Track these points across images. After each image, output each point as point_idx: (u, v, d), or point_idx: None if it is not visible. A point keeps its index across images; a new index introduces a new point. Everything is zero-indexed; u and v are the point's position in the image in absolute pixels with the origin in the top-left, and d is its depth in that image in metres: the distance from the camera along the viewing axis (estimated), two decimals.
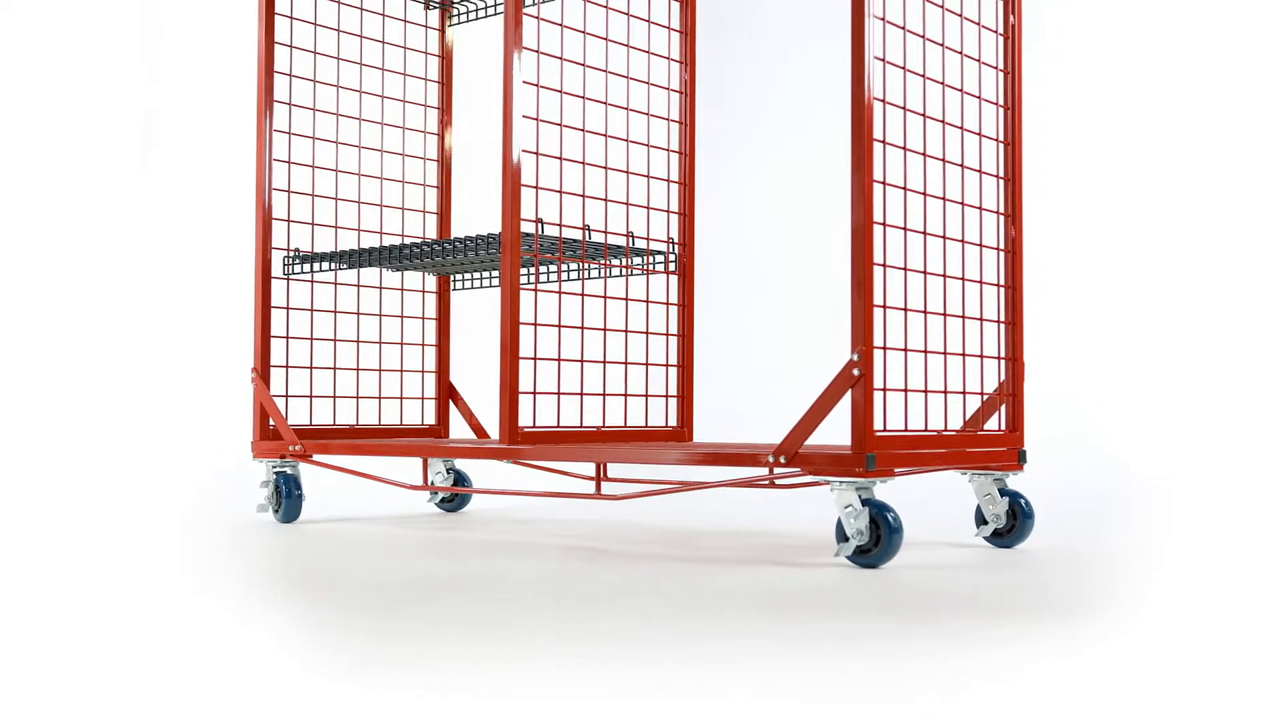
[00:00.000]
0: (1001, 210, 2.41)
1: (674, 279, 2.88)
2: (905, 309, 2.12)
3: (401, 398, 3.20)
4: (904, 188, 2.20)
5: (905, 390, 2.16)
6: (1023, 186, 2.41)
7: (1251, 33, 3.41)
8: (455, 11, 3.28)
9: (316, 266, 2.89)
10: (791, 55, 3.89)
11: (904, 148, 2.19)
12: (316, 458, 2.84)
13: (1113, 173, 3.56)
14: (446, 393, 3.30)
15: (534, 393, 2.52)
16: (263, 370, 2.94)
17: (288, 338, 3.00)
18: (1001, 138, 2.41)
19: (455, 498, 3.20)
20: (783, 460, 2.08)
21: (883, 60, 2.13)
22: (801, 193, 3.82)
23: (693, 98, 2.86)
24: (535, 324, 2.50)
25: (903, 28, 2.19)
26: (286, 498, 2.88)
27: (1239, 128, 3.42)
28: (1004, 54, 2.43)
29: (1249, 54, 3.39)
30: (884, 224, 2.15)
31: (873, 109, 2.07)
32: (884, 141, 2.16)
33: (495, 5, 3.18)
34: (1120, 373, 3.49)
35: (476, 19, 3.24)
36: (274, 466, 2.91)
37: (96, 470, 3.50)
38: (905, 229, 2.15)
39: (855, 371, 2.02)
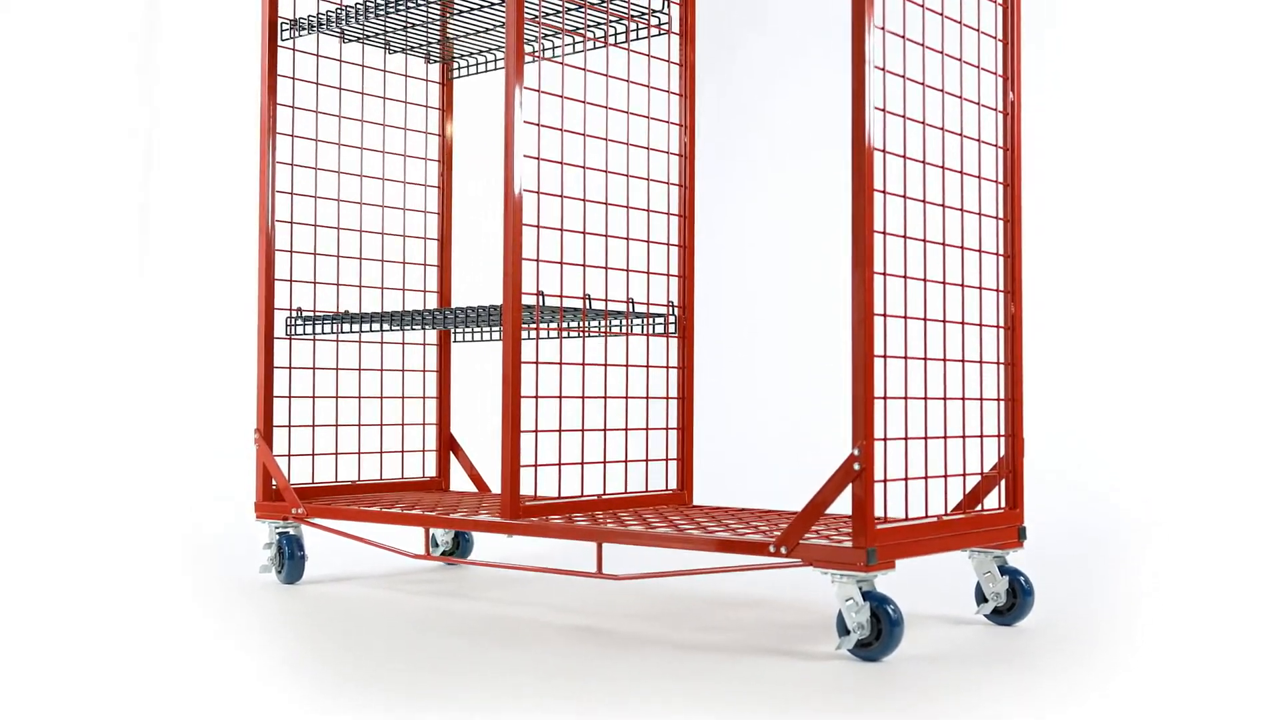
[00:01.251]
0: (1000, 288, 2.42)
1: (674, 341, 2.89)
2: (905, 397, 2.13)
3: (403, 451, 3.22)
4: (904, 276, 2.21)
5: (905, 479, 2.18)
6: (1022, 262, 2.42)
7: (1252, 45, 3.42)
8: (457, 65, 3.28)
9: (319, 328, 2.90)
10: (793, 122, 3.90)
11: (904, 235, 2.20)
12: (318, 521, 2.85)
13: (1111, 248, 3.57)
14: (447, 445, 3.32)
15: (535, 465, 2.54)
16: (265, 431, 2.95)
17: (290, 397, 3.01)
18: (1001, 214, 2.42)
19: (458, 549, 3.21)
20: (784, 551, 2.10)
21: (884, 150, 2.14)
22: (801, 250, 3.83)
23: (692, 160, 2.87)
24: (536, 396, 2.51)
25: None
26: (289, 559, 2.89)
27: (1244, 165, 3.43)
28: (1004, 131, 2.44)
29: (1249, 70, 3.40)
30: (885, 314, 2.17)
31: (872, 206, 2.07)
32: (884, 232, 2.17)
33: (496, 61, 3.18)
34: (1118, 418, 3.51)
35: (478, 73, 3.24)
36: (277, 528, 2.92)
37: (100, 528, 3.51)
38: (905, 317, 2.16)
39: (856, 466, 2.03)
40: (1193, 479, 3.41)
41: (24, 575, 3.00)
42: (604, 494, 2.79)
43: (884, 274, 2.12)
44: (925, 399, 2.20)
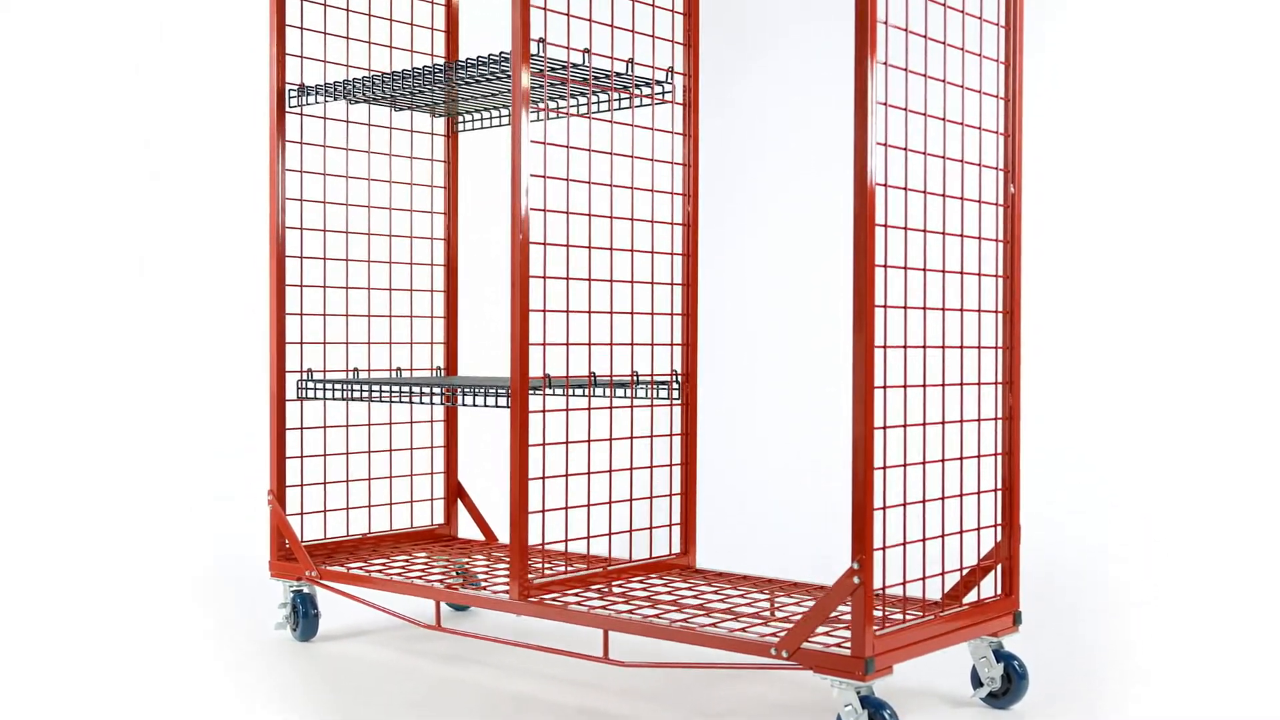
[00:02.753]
0: (999, 379, 2.47)
1: (677, 407, 2.95)
2: (904, 503, 2.19)
3: (411, 501, 3.29)
4: (904, 345, 2.26)
5: (904, 582, 2.24)
6: (1020, 355, 2.48)
7: (1246, 53, 3.45)
8: (462, 119, 3.31)
9: (329, 391, 2.96)
10: (792, 179, 3.94)
11: (903, 346, 2.25)
12: (332, 584, 2.92)
13: (1107, 342, 3.61)
14: (455, 493, 3.38)
15: (542, 547, 2.60)
16: (279, 492, 3.01)
17: (301, 457, 3.08)
18: (1000, 307, 2.47)
19: (466, 575, 3.28)
20: (785, 655, 2.16)
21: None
22: (801, 313, 3.90)
23: (695, 229, 2.91)
24: (543, 476, 2.57)
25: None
26: (304, 618, 2.97)
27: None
28: (1006, 226, 2.48)
29: (1241, 93, 3.43)
30: (884, 427, 2.22)
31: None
32: (884, 346, 2.22)
33: (502, 116, 3.21)
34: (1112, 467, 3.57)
35: (483, 128, 3.28)
36: (291, 586, 3.00)
37: (118, 584, 3.59)
38: (904, 427, 2.22)
39: (855, 579, 2.09)
40: (1191, 530, 3.47)
41: (41, 635, 3.08)
42: (610, 562, 2.87)
43: (884, 386, 2.18)
44: (924, 501, 2.26)
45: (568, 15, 2.67)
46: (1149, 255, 3.60)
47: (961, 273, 2.41)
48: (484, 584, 2.91)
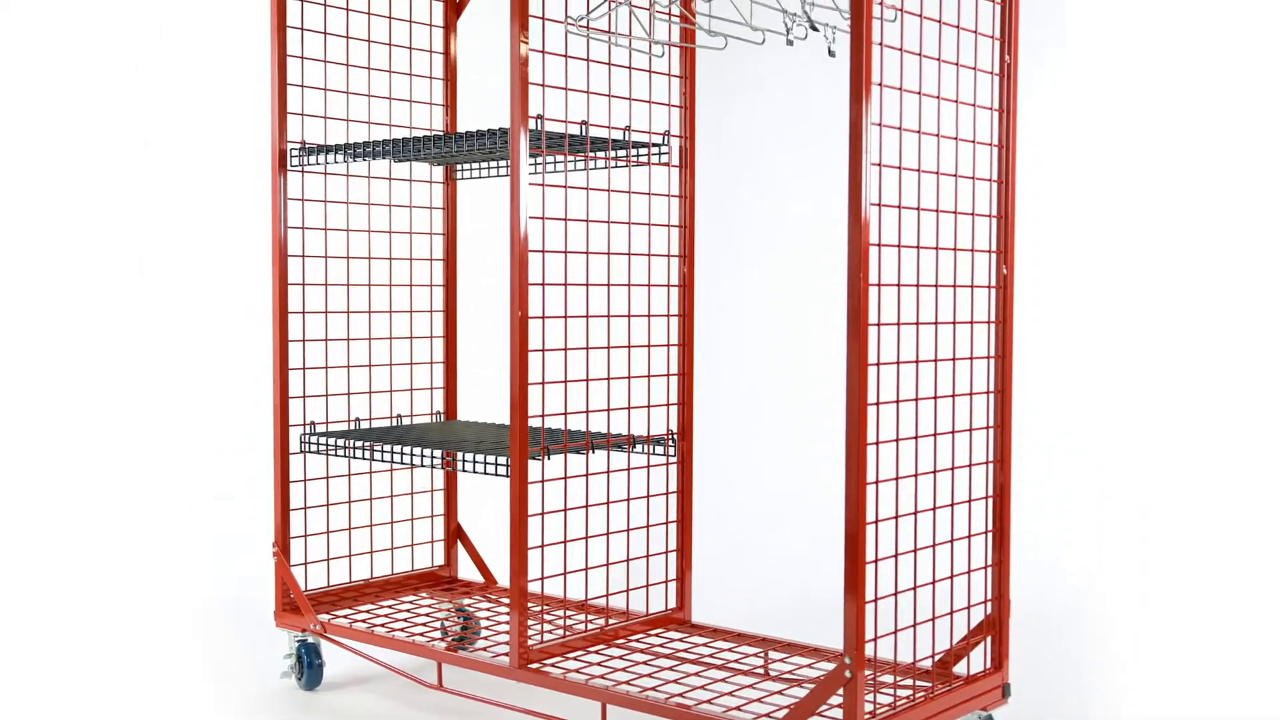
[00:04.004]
0: (991, 458, 2.52)
1: (672, 465, 3.00)
2: (895, 593, 2.25)
3: (412, 545, 3.35)
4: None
5: (894, 669, 2.31)
6: (1011, 434, 2.53)
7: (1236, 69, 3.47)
8: (460, 169, 3.34)
9: (333, 448, 3.00)
10: (785, 234, 3.98)
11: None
12: (336, 639, 2.97)
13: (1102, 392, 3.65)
14: (455, 535, 3.44)
15: (542, 613, 2.66)
16: (283, 544, 3.07)
17: (305, 508, 3.14)
18: (992, 382, 2.52)
19: (465, 637, 3.35)
20: None
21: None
22: (794, 369, 3.94)
23: (691, 289, 2.95)
24: (542, 546, 2.62)
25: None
26: (309, 668, 3.04)
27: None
28: (998, 307, 2.52)
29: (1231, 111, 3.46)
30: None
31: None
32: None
33: (501, 168, 3.24)
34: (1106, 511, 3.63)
35: (482, 178, 3.31)
36: (295, 636, 3.06)
37: (120, 624, 3.65)
38: (897, 516, 2.27)
39: (846, 674, 2.15)
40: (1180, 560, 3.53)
41: (50, 688, 3.14)
42: (608, 613, 2.93)
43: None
44: (915, 587, 2.31)
45: (565, 89, 2.69)
46: (1140, 288, 3.63)
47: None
48: (484, 631, 2.97)
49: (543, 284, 2.60)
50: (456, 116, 3.40)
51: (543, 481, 2.65)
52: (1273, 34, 3.38)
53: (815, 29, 2.29)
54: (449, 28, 3.39)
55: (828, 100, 3.47)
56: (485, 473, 2.69)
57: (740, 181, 4.02)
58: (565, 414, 2.70)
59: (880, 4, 2.20)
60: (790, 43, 2.37)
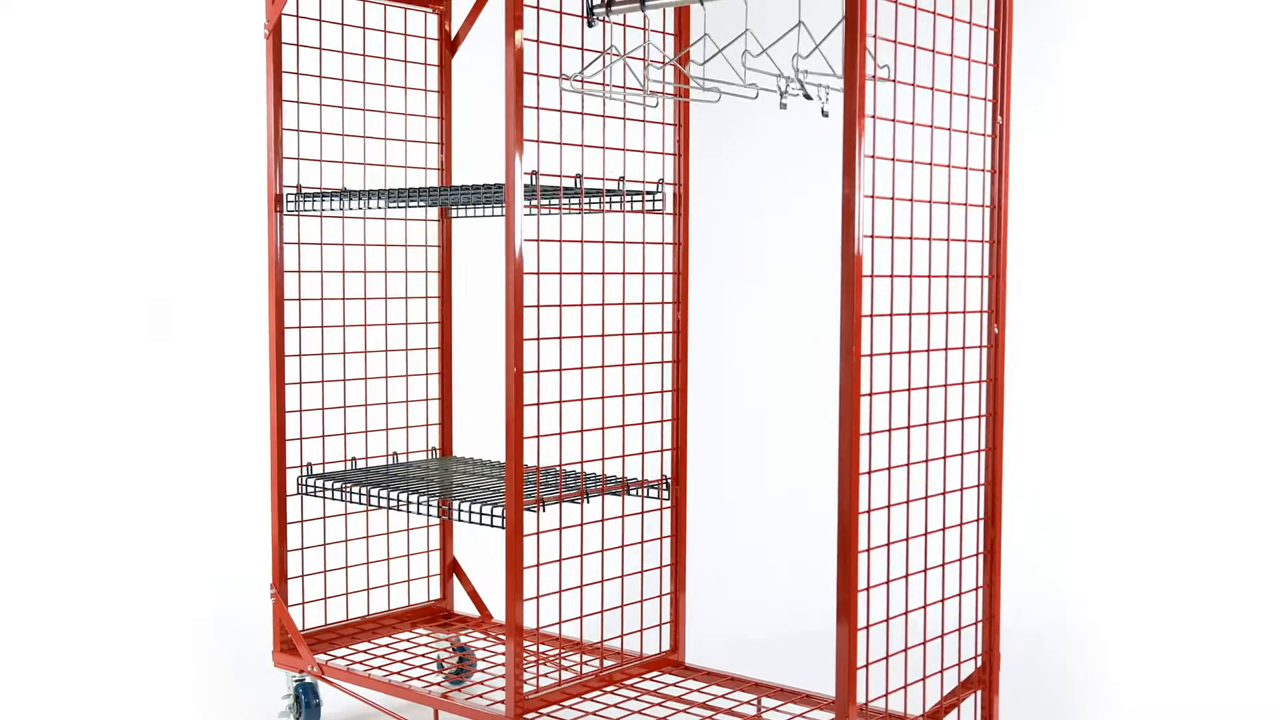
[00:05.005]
0: (981, 515, 2.55)
1: (666, 509, 3.03)
2: (887, 656, 2.28)
3: (409, 580, 3.38)
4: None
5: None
6: (1002, 490, 2.56)
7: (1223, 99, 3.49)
8: (455, 210, 3.36)
9: (330, 491, 3.03)
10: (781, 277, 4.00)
11: (889, 472, 2.33)
12: (334, 681, 3.00)
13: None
14: (450, 569, 3.47)
15: (537, 663, 2.69)
16: (280, 585, 3.10)
17: (302, 549, 3.16)
18: (985, 434, 2.54)
19: (461, 670, 3.38)
20: None
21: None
22: (791, 417, 3.97)
23: (685, 335, 2.97)
24: (538, 597, 2.65)
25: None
26: (306, 708, 3.07)
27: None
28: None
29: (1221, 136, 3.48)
30: (869, 595, 2.31)
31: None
32: (869, 472, 2.29)
33: (496, 211, 3.26)
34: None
35: (477, 218, 3.32)
36: (293, 676, 3.09)
37: (122, 670, 3.67)
38: (888, 582, 2.30)
39: None
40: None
41: (27, 694, 3.17)
42: (603, 653, 2.96)
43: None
44: (906, 651, 2.34)
45: (560, 144, 2.71)
46: (1131, 313, 3.65)
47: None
48: (481, 663, 3.00)
49: (538, 339, 2.62)
50: (451, 153, 3.42)
51: (538, 534, 2.68)
52: (1257, 69, 3.40)
53: (809, 98, 2.30)
54: (443, 66, 3.40)
55: (821, 145, 3.48)
56: (481, 523, 2.72)
57: (733, 227, 4.03)
58: (560, 466, 2.72)
59: (873, 59, 2.22)
60: (784, 106, 2.38)
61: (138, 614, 3.93)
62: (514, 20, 2.50)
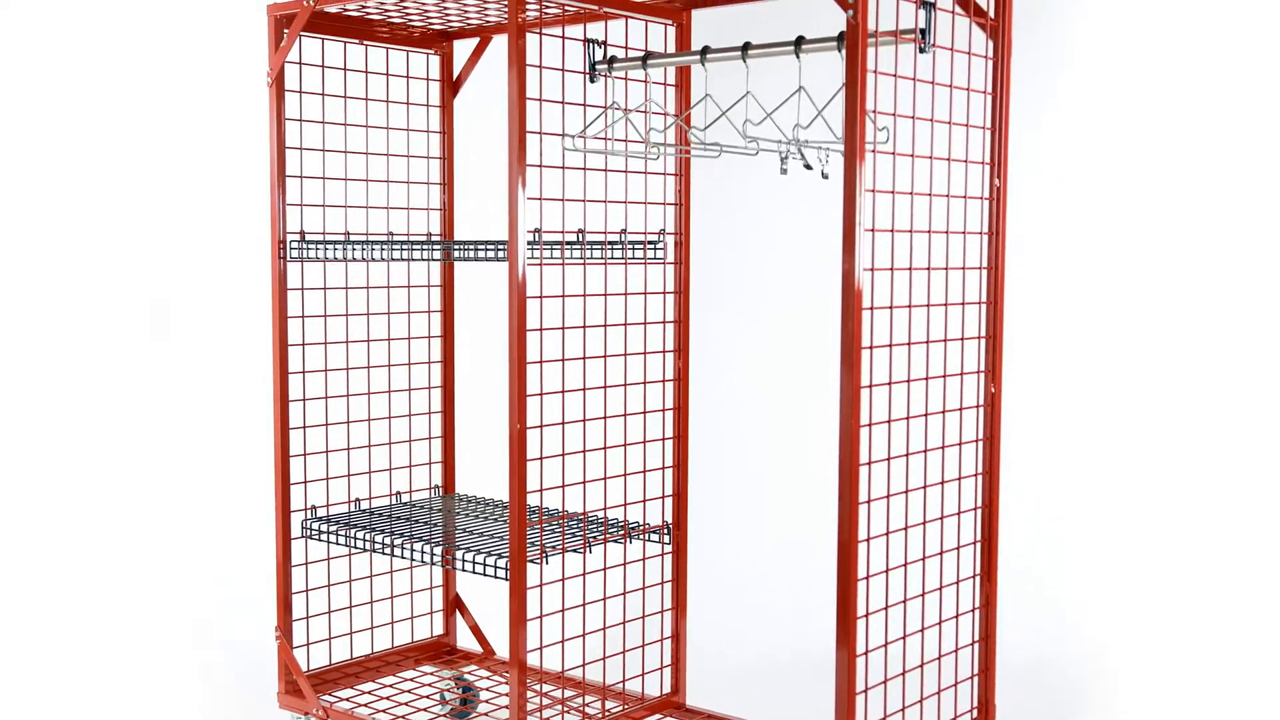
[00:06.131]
0: (977, 572, 2.59)
1: (667, 554, 3.07)
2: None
3: (412, 617, 3.42)
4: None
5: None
6: (997, 551, 2.59)
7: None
8: (456, 255, 3.38)
9: (334, 535, 3.06)
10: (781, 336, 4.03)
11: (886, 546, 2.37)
12: None
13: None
14: (453, 604, 3.51)
15: (540, 707, 2.73)
16: (285, 628, 3.13)
17: (306, 591, 3.20)
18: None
19: (467, 700, 3.42)
20: None
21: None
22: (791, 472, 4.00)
23: (686, 383, 3.01)
24: (541, 647, 2.69)
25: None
26: None
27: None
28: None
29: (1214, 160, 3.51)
30: (868, 621, 2.35)
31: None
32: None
33: (499, 252, 3.29)
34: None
35: (477, 260, 3.35)
36: (298, 719, 3.13)
37: (127, 712, 3.69)
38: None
39: None
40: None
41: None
42: (605, 693, 3.00)
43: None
44: (904, 697, 2.39)
45: (563, 200, 2.73)
46: (1126, 338, 3.69)
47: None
48: (484, 695, 3.04)
49: (540, 394, 2.66)
50: (453, 194, 3.44)
51: (540, 586, 2.71)
52: (1244, 96, 3.43)
53: (809, 168, 2.33)
54: (445, 107, 3.43)
55: (821, 192, 3.51)
56: (485, 574, 2.75)
57: (732, 272, 4.07)
58: (564, 518, 2.75)
59: (873, 123, 2.24)
60: (784, 171, 2.41)
61: (143, 658, 3.93)
62: (520, 89, 2.52)
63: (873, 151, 2.22)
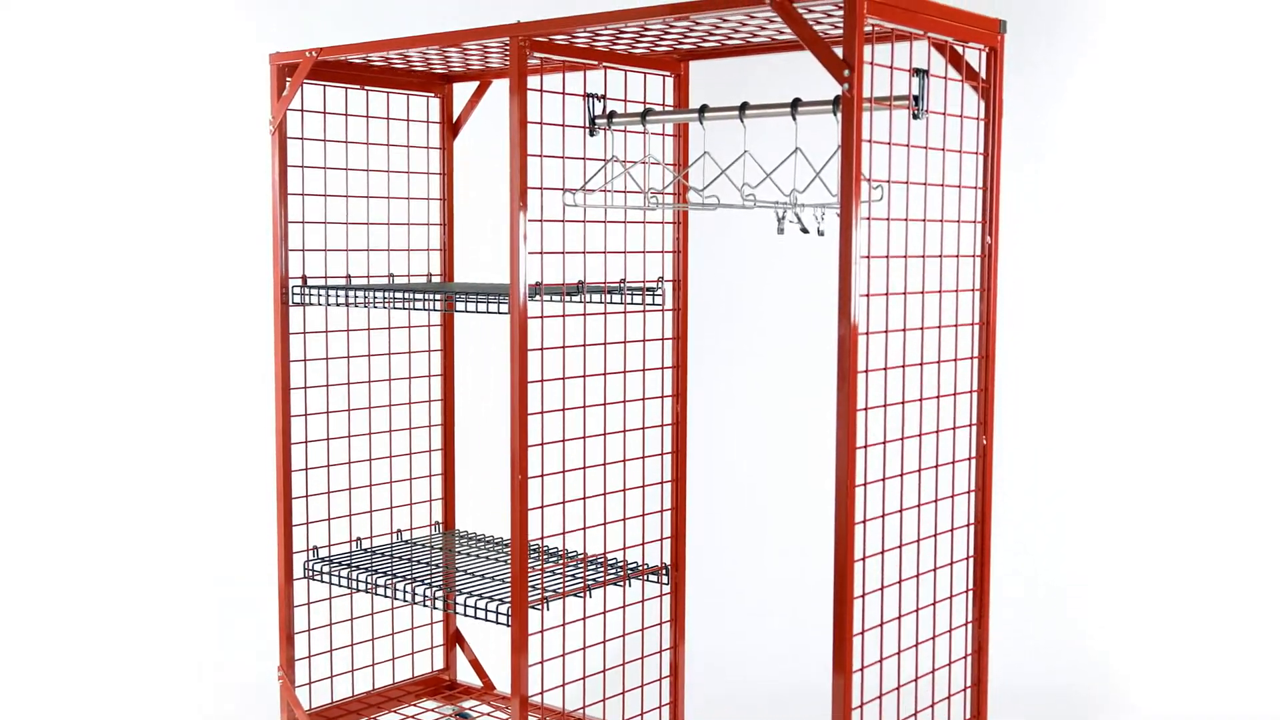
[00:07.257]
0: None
1: (666, 596, 3.11)
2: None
3: (413, 653, 3.46)
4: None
5: None
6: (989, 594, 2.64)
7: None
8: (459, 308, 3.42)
9: (334, 575, 3.10)
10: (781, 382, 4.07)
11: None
12: None
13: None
14: (454, 639, 3.55)
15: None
16: (287, 668, 3.17)
17: (309, 630, 3.24)
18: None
19: None
20: None
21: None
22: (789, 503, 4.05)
23: (683, 427, 3.05)
24: (542, 692, 2.73)
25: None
26: None
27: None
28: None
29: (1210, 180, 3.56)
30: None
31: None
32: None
33: (500, 305, 3.33)
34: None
35: (479, 313, 3.39)
36: None
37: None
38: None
39: None
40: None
41: None
42: None
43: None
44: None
45: (563, 254, 2.78)
46: (1123, 345, 3.73)
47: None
48: None
49: (541, 444, 2.70)
50: (454, 234, 3.48)
51: (542, 631, 2.76)
52: (1239, 113, 3.49)
53: (805, 231, 2.38)
54: (446, 149, 3.47)
55: (818, 239, 3.55)
56: (486, 620, 2.79)
57: (729, 318, 4.12)
58: (564, 563, 2.80)
59: (869, 183, 2.29)
60: (781, 231, 2.46)
61: (144, 696, 3.94)
62: (521, 148, 2.57)
63: (868, 219, 2.26)
